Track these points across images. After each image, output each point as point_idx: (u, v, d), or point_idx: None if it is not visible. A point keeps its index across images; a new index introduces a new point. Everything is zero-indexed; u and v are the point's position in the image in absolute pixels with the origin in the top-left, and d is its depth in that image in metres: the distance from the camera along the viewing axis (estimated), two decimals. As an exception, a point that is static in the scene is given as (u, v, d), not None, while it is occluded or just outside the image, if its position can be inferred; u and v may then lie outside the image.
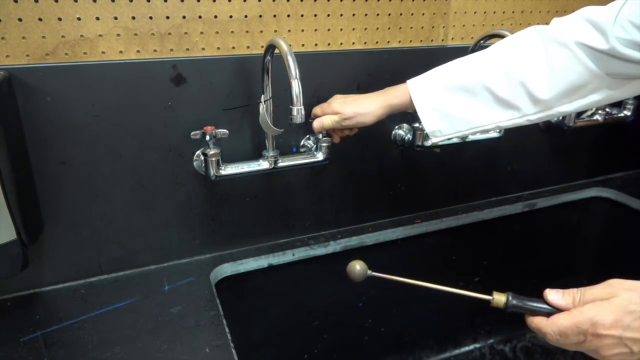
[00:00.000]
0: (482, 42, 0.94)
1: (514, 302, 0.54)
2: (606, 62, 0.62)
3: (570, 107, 0.67)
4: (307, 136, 0.92)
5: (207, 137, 0.79)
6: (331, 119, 0.78)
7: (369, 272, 0.59)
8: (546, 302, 0.52)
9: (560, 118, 1.14)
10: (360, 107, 0.77)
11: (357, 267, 0.59)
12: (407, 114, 0.92)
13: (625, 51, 0.60)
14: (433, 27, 0.97)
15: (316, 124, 0.79)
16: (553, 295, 0.52)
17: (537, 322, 0.52)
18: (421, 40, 0.97)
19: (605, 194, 1.29)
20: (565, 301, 0.51)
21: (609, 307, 0.48)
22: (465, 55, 0.73)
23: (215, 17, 0.79)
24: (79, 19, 0.71)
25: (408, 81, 0.75)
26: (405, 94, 0.75)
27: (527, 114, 0.69)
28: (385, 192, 1.07)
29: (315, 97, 0.88)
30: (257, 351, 1.05)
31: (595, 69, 0.63)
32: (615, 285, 0.49)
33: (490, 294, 0.55)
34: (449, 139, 0.76)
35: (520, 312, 0.54)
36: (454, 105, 0.72)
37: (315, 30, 0.87)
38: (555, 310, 0.52)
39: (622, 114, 1.21)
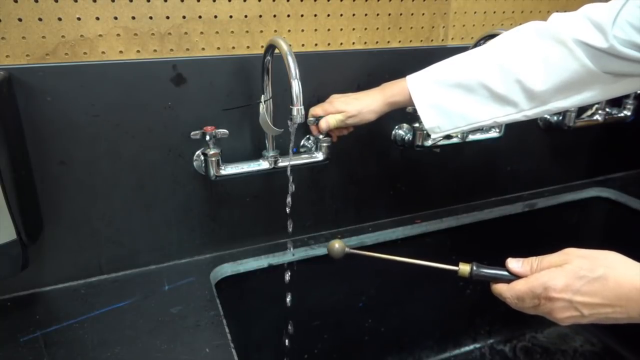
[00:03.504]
0: (482, 42, 0.94)
1: (478, 271, 0.57)
2: (604, 60, 0.63)
3: (565, 102, 0.68)
4: (307, 136, 0.92)
5: (207, 137, 0.79)
6: (336, 118, 0.78)
7: (347, 249, 0.65)
8: (508, 270, 0.56)
9: (560, 118, 1.14)
10: (362, 105, 0.78)
11: (337, 245, 0.65)
12: (407, 114, 0.93)
13: (624, 50, 0.60)
14: (433, 27, 0.97)
15: (322, 123, 0.79)
16: (513, 264, 0.56)
17: (498, 288, 0.56)
18: (421, 40, 0.97)
19: (605, 194, 1.29)
20: (524, 269, 0.55)
21: (561, 272, 0.51)
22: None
23: (215, 17, 0.79)
24: (79, 19, 0.71)
25: (407, 77, 0.76)
26: (404, 91, 0.75)
27: (524, 110, 0.70)
28: (385, 192, 1.07)
29: (315, 97, 0.88)
30: (257, 351, 1.05)
31: (591, 67, 0.63)
32: (570, 254, 0.53)
33: (456, 264, 0.59)
34: (448, 135, 0.76)
35: (484, 279, 0.58)
36: (451, 101, 0.72)
37: (315, 30, 0.87)
38: (515, 277, 0.55)
39: (622, 114, 1.21)
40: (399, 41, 0.95)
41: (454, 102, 0.72)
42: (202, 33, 0.79)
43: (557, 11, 1.07)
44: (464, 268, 0.58)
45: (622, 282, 0.49)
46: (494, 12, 1.02)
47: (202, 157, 0.82)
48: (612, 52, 0.61)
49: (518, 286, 0.54)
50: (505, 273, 0.56)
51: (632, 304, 0.48)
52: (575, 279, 0.50)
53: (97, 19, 0.72)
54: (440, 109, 0.73)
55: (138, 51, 0.76)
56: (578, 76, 0.65)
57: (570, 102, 0.68)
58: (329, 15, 0.87)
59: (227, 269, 0.91)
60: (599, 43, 0.61)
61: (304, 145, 0.92)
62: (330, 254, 0.66)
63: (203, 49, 0.80)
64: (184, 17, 0.76)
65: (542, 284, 0.52)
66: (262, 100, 0.80)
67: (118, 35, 0.74)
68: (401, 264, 0.63)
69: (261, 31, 0.83)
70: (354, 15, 0.89)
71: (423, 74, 0.75)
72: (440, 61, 0.76)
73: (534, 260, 0.55)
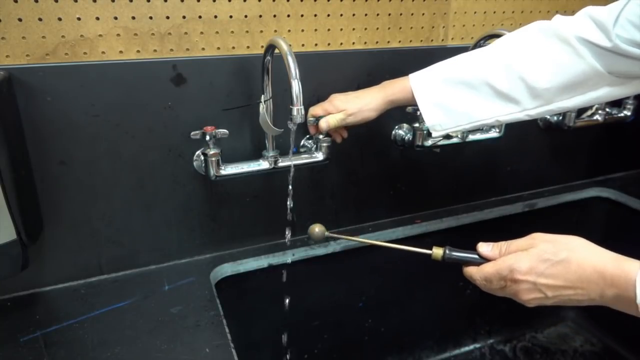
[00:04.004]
0: (482, 42, 0.94)
1: (450, 254, 0.60)
2: (608, 59, 0.63)
3: (569, 102, 0.68)
4: (307, 136, 0.92)
5: (207, 137, 0.79)
6: (336, 118, 0.78)
7: (327, 233, 0.69)
8: (478, 254, 0.59)
9: (560, 118, 1.14)
10: (363, 103, 0.78)
11: (317, 229, 0.70)
12: (407, 114, 0.93)
13: (628, 48, 0.60)
14: (433, 27, 0.97)
15: (323, 123, 0.79)
16: (484, 248, 0.59)
17: (469, 271, 0.59)
18: (421, 40, 0.97)
19: (605, 194, 1.29)
20: (493, 252, 0.58)
21: (526, 256, 0.53)
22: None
23: (215, 17, 0.79)
24: (79, 19, 0.71)
25: (410, 75, 0.76)
26: (406, 89, 0.75)
27: (527, 109, 0.70)
28: (385, 192, 1.07)
29: (315, 97, 0.88)
30: (257, 351, 1.05)
31: (596, 66, 0.63)
32: (536, 238, 0.55)
33: (430, 248, 0.62)
34: (448, 135, 0.76)
35: (456, 262, 0.60)
36: (454, 99, 0.72)
37: (315, 30, 0.87)
38: (485, 260, 0.58)
39: (622, 114, 1.21)
40: (399, 41, 0.95)
41: (457, 99, 0.72)
42: (202, 33, 0.79)
43: (557, 11, 1.08)
44: (437, 252, 0.61)
45: (583, 265, 0.50)
46: (494, 12, 1.02)
47: (202, 157, 0.82)
48: (616, 50, 0.61)
49: (486, 269, 0.56)
50: (476, 256, 0.59)
51: (592, 286, 0.50)
52: (539, 262, 0.52)
53: (97, 19, 0.72)
54: (442, 106, 0.73)
55: (138, 51, 0.76)
56: (583, 76, 0.65)
57: (574, 102, 0.68)
58: (329, 15, 0.87)
59: (227, 269, 0.92)
60: (602, 42, 0.62)
61: (304, 145, 0.92)
62: (310, 237, 0.70)
63: (203, 49, 0.80)
64: (184, 17, 0.76)
65: (508, 266, 0.54)
66: (262, 100, 0.80)
67: (118, 35, 0.74)
68: (378, 247, 0.66)
69: (261, 31, 0.83)
70: (354, 15, 0.89)
71: (425, 72, 0.75)
72: (440, 61, 0.76)
73: (502, 245, 0.57)
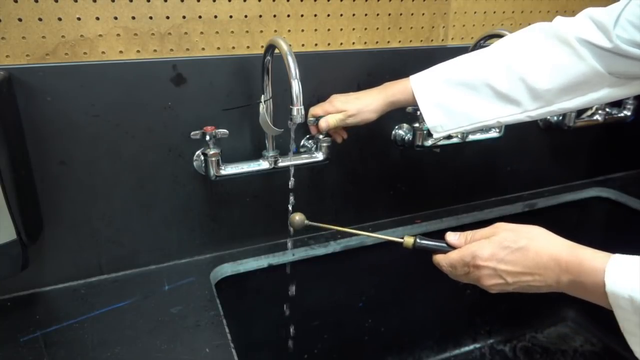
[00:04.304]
0: (482, 42, 0.94)
1: (420, 242, 0.63)
2: (608, 60, 0.63)
3: (570, 104, 0.68)
4: (307, 136, 0.92)
5: (207, 137, 0.79)
6: (336, 118, 0.78)
7: (306, 221, 0.72)
8: (446, 243, 0.61)
9: (560, 118, 1.14)
10: (363, 104, 0.78)
11: (297, 217, 0.72)
12: (407, 114, 0.93)
13: (628, 49, 0.60)
14: (433, 27, 0.97)
15: (322, 123, 0.79)
16: (451, 236, 0.61)
17: (437, 258, 0.61)
18: (421, 40, 0.97)
19: (605, 194, 1.29)
20: (459, 241, 0.60)
21: (488, 243, 0.56)
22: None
23: (215, 17, 0.79)
24: (79, 19, 0.71)
25: (411, 77, 0.76)
26: (406, 90, 0.76)
27: (528, 110, 0.70)
28: (385, 192, 1.07)
29: (315, 97, 0.88)
30: (257, 351, 1.05)
31: (597, 67, 0.63)
32: (499, 227, 0.57)
33: (402, 237, 0.64)
34: (450, 134, 0.77)
35: (426, 250, 0.63)
36: (455, 100, 0.73)
37: (315, 30, 0.87)
38: (453, 248, 0.60)
39: (622, 114, 1.21)
40: (399, 41, 0.95)
41: (458, 101, 0.72)
42: (202, 33, 0.79)
43: (557, 11, 1.08)
44: (408, 240, 0.63)
45: (541, 252, 0.53)
46: (494, 12, 1.02)
47: (202, 157, 0.82)
48: (617, 51, 0.61)
49: (452, 256, 0.59)
50: (444, 245, 0.61)
51: (549, 272, 0.52)
52: (500, 249, 0.55)
53: (97, 19, 0.72)
54: (444, 107, 0.73)
55: (138, 51, 0.76)
56: (584, 77, 0.65)
57: (575, 103, 0.68)
58: (329, 15, 0.87)
59: (227, 269, 0.92)
60: (603, 42, 0.62)
61: (304, 145, 0.92)
62: (290, 225, 0.73)
63: (203, 49, 0.80)
64: (184, 17, 0.76)
65: (471, 253, 0.56)
66: (262, 100, 0.80)
67: (118, 35, 0.74)
68: (354, 235, 0.69)
69: (261, 31, 0.83)
70: (354, 15, 0.89)
71: (426, 73, 0.75)
72: (440, 62, 0.76)
73: (468, 234, 0.60)
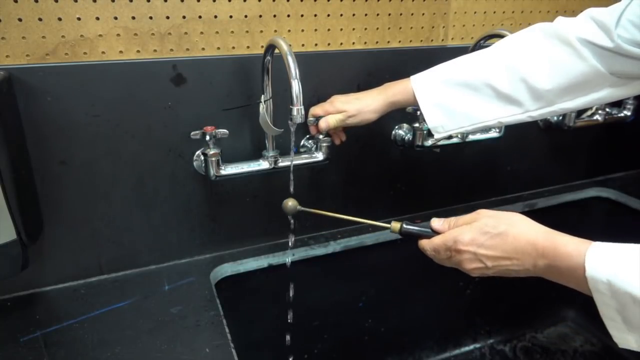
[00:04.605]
0: (482, 42, 0.94)
1: (407, 227, 0.65)
2: (610, 59, 0.63)
3: (572, 104, 0.68)
4: (307, 136, 0.92)
5: (207, 137, 0.79)
6: (336, 118, 0.78)
7: (299, 207, 0.75)
8: (431, 228, 0.63)
9: (560, 118, 1.14)
10: (363, 104, 0.78)
11: (290, 203, 0.75)
12: (407, 114, 0.93)
13: (630, 48, 0.61)
14: (433, 27, 0.97)
15: (322, 123, 0.79)
16: (436, 222, 0.63)
17: (422, 243, 0.64)
18: (421, 40, 0.97)
19: (605, 194, 1.29)
20: (443, 226, 0.62)
21: (469, 228, 0.58)
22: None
23: (215, 17, 0.79)
24: (79, 19, 0.71)
25: (411, 77, 0.76)
26: (407, 90, 0.76)
27: (529, 110, 0.70)
28: (385, 192, 1.07)
29: (315, 97, 0.88)
30: (257, 351, 1.05)
31: (598, 67, 0.64)
32: (480, 213, 0.59)
33: (389, 222, 0.66)
34: (450, 135, 0.77)
35: (412, 235, 0.65)
36: (456, 100, 0.72)
37: (315, 30, 0.87)
38: (437, 233, 0.63)
39: (622, 114, 1.21)
40: (399, 41, 0.95)
41: (459, 101, 0.72)
42: (202, 33, 0.79)
43: (557, 11, 1.08)
44: (395, 225, 0.66)
45: (519, 237, 0.54)
46: (494, 12, 1.02)
47: (202, 157, 0.82)
48: (618, 50, 0.61)
49: (435, 240, 0.61)
50: (429, 230, 0.64)
51: (526, 257, 0.54)
52: (480, 234, 0.57)
53: (97, 19, 0.72)
54: (444, 108, 0.73)
55: (138, 51, 0.76)
56: (585, 77, 0.65)
57: (576, 103, 0.68)
58: (329, 15, 0.87)
59: (227, 269, 0.92)
60: (604, 42, 0.62)
61: (304, 145, 0.92)
62: (284, 210, 0.75)
63: (203, 49, 0.80)
64: (184, 17, 0.76)
65: (453, 238, 0.59)
66: (262, 100, 0.80)
67: (118, 35, 0.74)
68: (344, 220, 0.72)
69: (261, 31, 0.83)
70: (354, 15, 0.89)
71: (427, 73, 0.75)
72: (440, 62, 0.76)
73: (452, 219, 0.62)
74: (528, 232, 0.55)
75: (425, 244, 0.63)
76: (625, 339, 0.49)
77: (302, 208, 0.75)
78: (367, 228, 1.05)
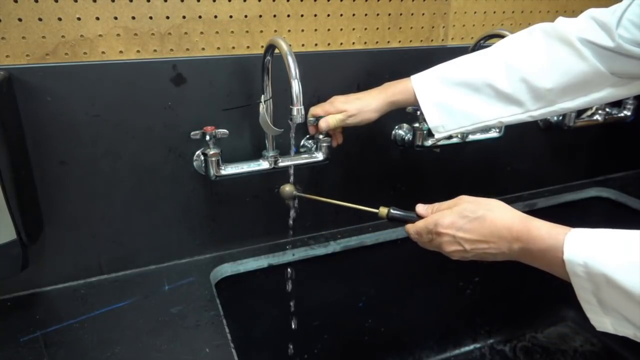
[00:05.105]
0: (482, 42, 0.94)
1: (393, 213, 0.68)
2: (611, 59, 0.63)
3: (572, 103, 0.69)
4: (307, 136, 0.92)
5: (207, 137, 0.79)
6: (336, 118, 0.78)
7: (295, 192, 0.79)
8: (416, 213, 0.67)
9: (560, 118, 1.14)
10: (363, 104, 0.78)
11: (287, 188, 0.78)
12: (407, 114, 0.93)
13: (631, 48, 0.61)
14: (433, 27, 0.97)
15: (322, 123, 0.79)
16: (420, 208, 0.67)
17: (407, 227, 0.67)
18: (421, 40, 0.97)
19: (605, 194, 1.29)
20: (426, 211, 0.66)
21: (449, 212, 0.61)
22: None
23: (215, 17, 0.79)
24: (79, 19, 0.71)
25: (412, 77, 0.76)
26: (407, 90, 0.76)
27: (530, 110, 0.70)
28: (385, 192, 1.07)
29: (315, 97, 0.88)
30: (257, 351, 1.05)
31: (599, 67, 0.64)
32: (461, 199, 0.62)
33: (377, 208, 0.70)
34: (450, 135, 0.77)
35: (398, 220, 0.68)
36: (456, 100, 0.73)
37: (315, 30, 0.87)
38: (421, 218, 0.66)
39: (622, 114, 1.21)
40: (399, 41, 0.95)
41: (459, 101, 0.72)
42: (202, 33, 0.79)
43: (557, 11, 1.08)
44: (383, 210, 0.69)
45: (496, 221, 0.57)
46: (494, 12, 1.02)
47: (202, 157, 0.82)
48: (619, 50, 0.61)
49: (418, 224, 0.64)
50: (414, 215, 0.67)
51: (502, 240, 0.56)
52: (459, 218, 0.59)
53: (97, 19, 0.72)
54: (445, 107, 0.73)
55: (138, 51, 0.76)
56: (585, 77, 0.65)
57: (577, 103, 0.68)
58: (329, 15, 0.87)
59: (227, 269, 0.92)
60: (605, 42, 0.62)
61: (304, 145, 0.92)
62: (281, 196, 0.79)
63: (203, 49, 0.80)
64: (184, 17, 0.76)
65: (434, 221, 0.61)
66: (262, 100, 0.80)
67: (118, 35, 0.74)
68: (336, 205, 0.76)
69: (261, 31, 0.83)
70: (354, 15, 0.89)
71: (427, 73, 0.75)
72: (440, 62, 0.76)
73: (435, 205, 0.65)
74: (504, 216, 0.57)
75: (409, 227, 0.66)
76: (602, 321, 0.49)
77: (299, 193, 0.78)
78: (367, 228, 1.05)
